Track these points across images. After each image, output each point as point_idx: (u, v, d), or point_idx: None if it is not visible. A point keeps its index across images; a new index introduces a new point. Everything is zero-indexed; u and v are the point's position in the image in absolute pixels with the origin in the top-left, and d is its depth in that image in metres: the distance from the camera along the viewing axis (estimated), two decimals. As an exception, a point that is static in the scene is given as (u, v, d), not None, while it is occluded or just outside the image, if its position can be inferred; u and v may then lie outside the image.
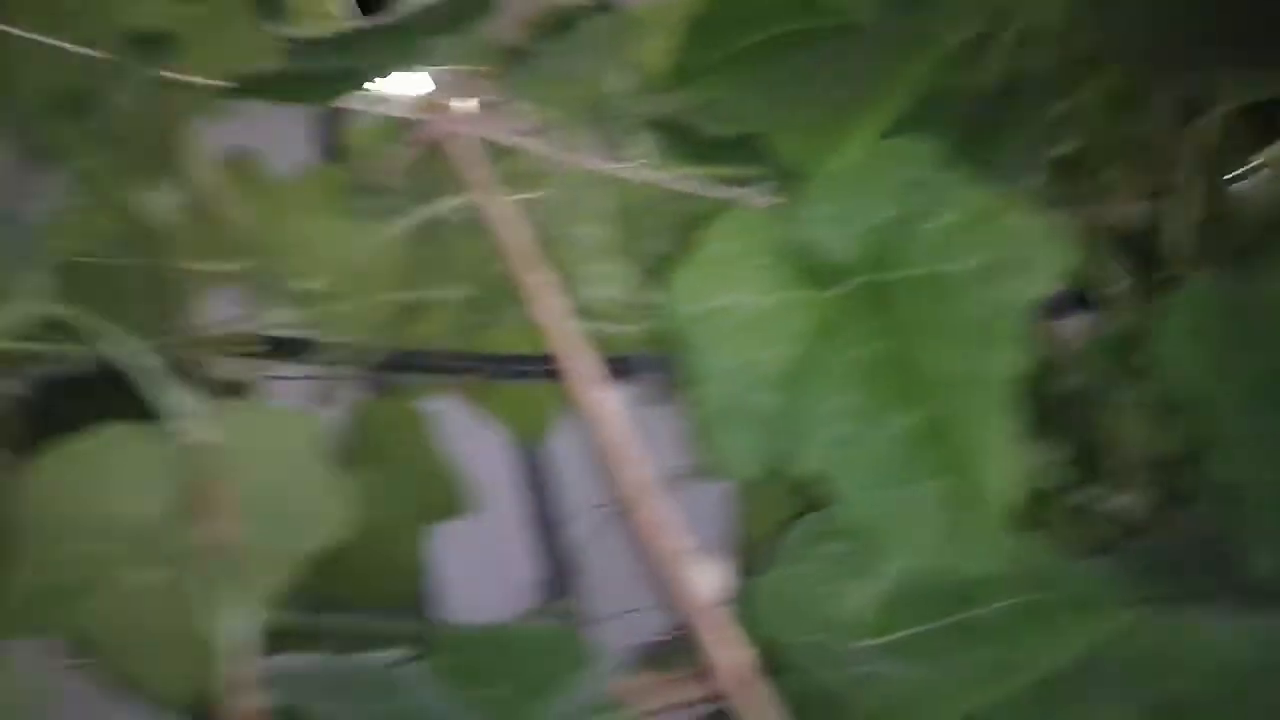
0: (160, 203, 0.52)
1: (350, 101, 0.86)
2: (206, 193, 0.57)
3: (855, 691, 0.41)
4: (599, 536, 1.04)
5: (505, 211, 0.55)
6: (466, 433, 0.91)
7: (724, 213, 0.51)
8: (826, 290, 0.49)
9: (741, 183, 0.59)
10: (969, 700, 0.41)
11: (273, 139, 0.72)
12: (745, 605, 0.46)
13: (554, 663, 0.50)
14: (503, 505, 1.01)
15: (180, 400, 0.43)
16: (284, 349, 0.72)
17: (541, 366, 0.89)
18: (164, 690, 0.55)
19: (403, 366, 0.82)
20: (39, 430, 0.57)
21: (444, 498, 0.94)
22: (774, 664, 0.46)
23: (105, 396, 0.49)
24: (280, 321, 0.63)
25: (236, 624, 0.44)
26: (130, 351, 0.42)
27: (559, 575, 1.07)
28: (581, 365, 0.52)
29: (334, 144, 0.89)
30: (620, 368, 0.64)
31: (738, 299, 0.49)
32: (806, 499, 0.51)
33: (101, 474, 0.46)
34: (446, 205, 0.64)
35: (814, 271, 0.50)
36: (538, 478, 1.13)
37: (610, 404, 0.52)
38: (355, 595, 0.69)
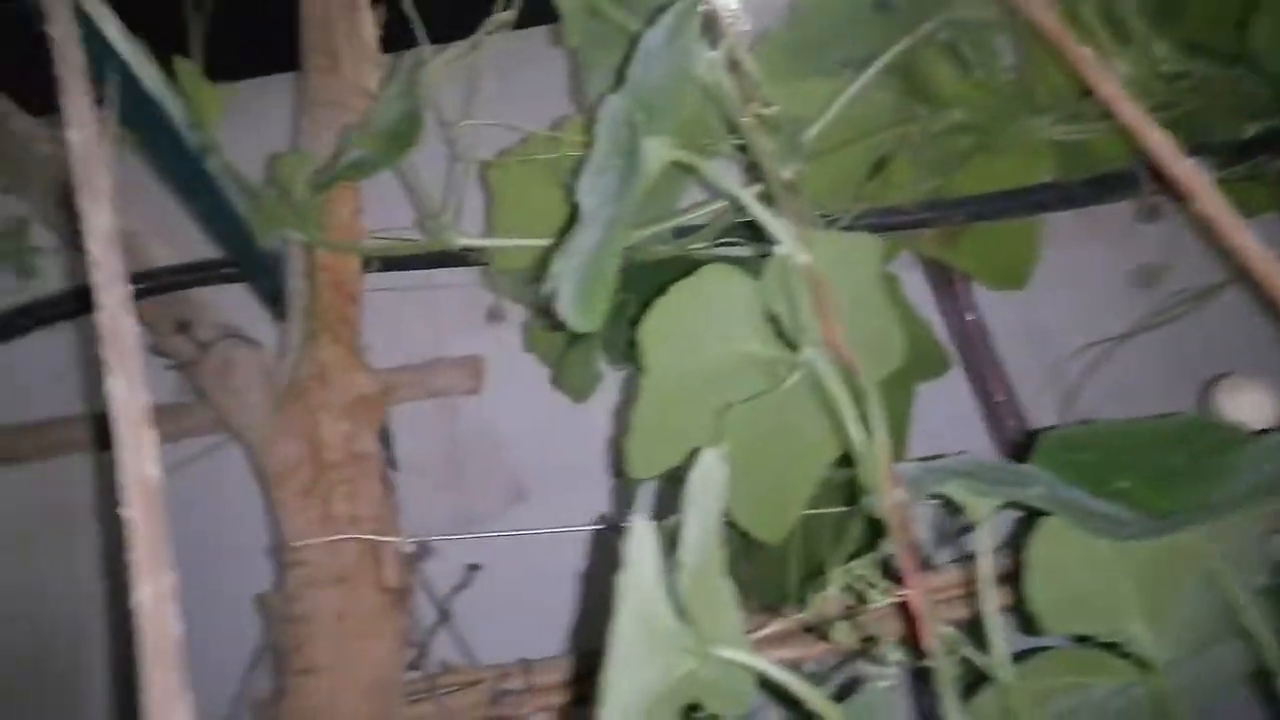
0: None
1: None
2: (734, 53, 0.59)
3: None
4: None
5: None
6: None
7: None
8: None
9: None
10: None
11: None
12: None
13: (1181, 452, 0.47)
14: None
15: (780, 228, 0.45)
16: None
17: (1031, 198, 0.83)
18: (759, 526, 0.59)
19: (875, 226, 0.81)
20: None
21: (928, 358, 0.93)
22: None
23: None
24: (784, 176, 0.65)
25: (864, 432, 0.45)
26: (737, 190, 0.45)
27: (1017, 436, 1.02)
28: (1153, 138, 0.48)
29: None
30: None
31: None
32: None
33: (707, 307, 0.49)
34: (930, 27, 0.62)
35: None
36: (981, 343, 1.08)
37: (1197, 175, 0.47)
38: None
